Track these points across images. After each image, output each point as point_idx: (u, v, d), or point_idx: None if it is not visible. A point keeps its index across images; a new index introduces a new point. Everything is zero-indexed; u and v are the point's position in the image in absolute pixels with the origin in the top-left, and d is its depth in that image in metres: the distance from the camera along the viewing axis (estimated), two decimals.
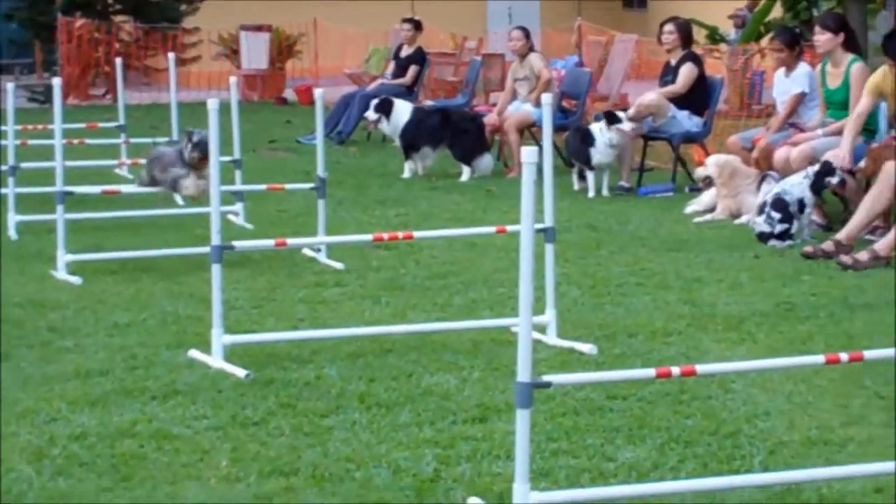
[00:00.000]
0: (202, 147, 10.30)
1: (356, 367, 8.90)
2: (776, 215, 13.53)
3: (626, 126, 17.24)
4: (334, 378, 8.68)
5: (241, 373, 8.73)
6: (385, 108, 19.36)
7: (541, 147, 9.44)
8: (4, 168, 14.07)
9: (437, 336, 9.59)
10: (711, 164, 15.16)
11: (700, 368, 6.99)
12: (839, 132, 14.21)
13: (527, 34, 20.23)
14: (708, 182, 15.01)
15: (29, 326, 10.04)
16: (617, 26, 29.13)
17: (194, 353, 9.16)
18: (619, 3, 40.08)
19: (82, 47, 31.48)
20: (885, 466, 6.77)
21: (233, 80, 15.14)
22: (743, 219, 14.60)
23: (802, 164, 13.87)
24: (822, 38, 15.14)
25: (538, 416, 6.91)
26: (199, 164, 10.51)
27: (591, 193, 17.19)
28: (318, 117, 12.98)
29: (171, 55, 18.38)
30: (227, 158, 13.64)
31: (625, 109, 17.72)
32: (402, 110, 19.41)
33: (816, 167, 13.56)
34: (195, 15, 33.85)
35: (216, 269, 9.08)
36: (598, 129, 17.23)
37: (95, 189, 14.42)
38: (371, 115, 19.59)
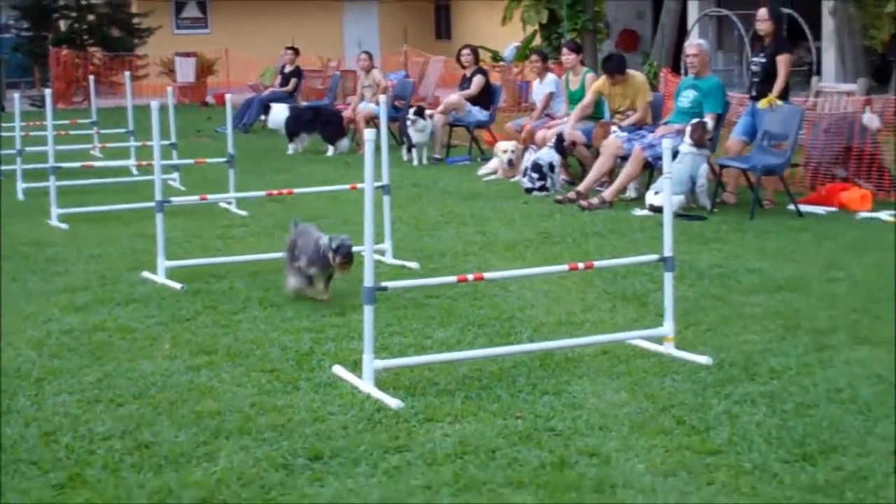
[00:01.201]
0: (345, 252, 7.98)
1: (257, 281, 8.93)
2: (535, 175, 13.69)
3: (438, 118, 17.39)
4: (241, 288, 8.72)
5: (177, 286, 8.74)
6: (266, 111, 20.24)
7: (380, 132, 9.50)
8: (14, 151, 13.96)
9: None
10: (509, 148, 15.22)
11: (487, 275, 7.12)
12: (580, 118, 14.44)
13: (370, 56, 20.37)
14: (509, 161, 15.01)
15: (32, 258, 10.00)
16: (431, 51, 29.21)
17: (146, 274, 9.15)
18: (432, 35, 39.97)
19: (67, 69, 31.88)
20: (609, 337, 6.98)
21: (169, 89, 15.46)
22: (514, 178, 14.69)
23: (552, 140, 14.03)
24: (569, 57, 15.34)
25: (380, 310, 6.97)
26: (341, 266, 8.03)
27: (415, 163, 17.22)
28: (228, 115, 13.04)
29: (127, 73, 18.84)
30: (167, 142, 13.62)
31: (424, 111, 17.69)
32: (280, 110, 19.79)
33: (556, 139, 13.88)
34: (144, 46, 34.17)
35: (159, 218, 9.12)
36: (410, 122, 17.30)
37: (76, 164, 14.43)
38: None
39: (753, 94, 12.93)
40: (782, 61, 12.59)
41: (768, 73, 12.70)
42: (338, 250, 7.92)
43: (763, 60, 12.89)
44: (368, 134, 6.29)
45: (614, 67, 14.00)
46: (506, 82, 21.74)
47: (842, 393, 6.07)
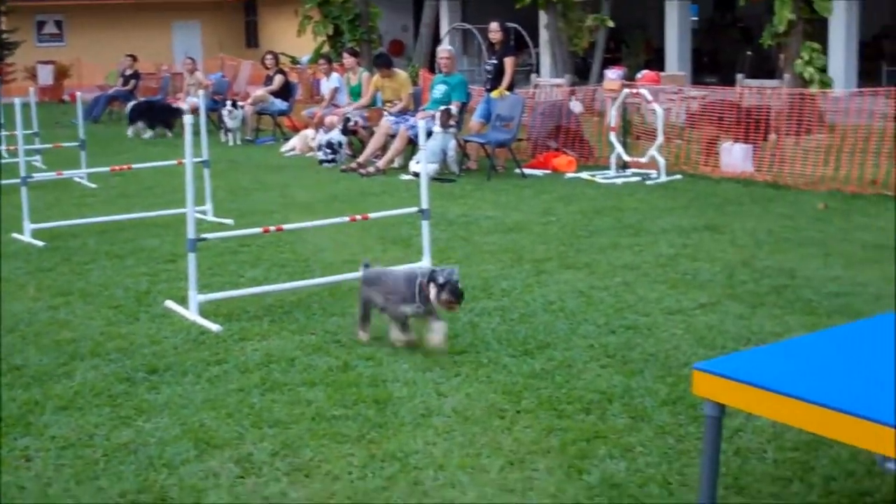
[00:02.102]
0: (452, 289, 5.19)
1: (104, 238, 8.61)
2: (328, 150, 13.60)
3: (248, 108, 17.12)
4: (92, 244, 8.39)
5: (40, 244, 8.38)
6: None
7: (199, 119, 9.32)
8: None
9: (151, 220, 9.33)
10: (309, 136, 15.06)
11: (286, 227, 7.02)
12: (360, 107, 14.37)
13: (194, 61, 20.06)
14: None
15: None
16: (242, 56, 28.62)
17: (15, 235, 8.76)
18: (243, 44, 39.13)
19: None
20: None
21: (31, 89, 14.59)
22: (310, 154, 14.54)
23: (339, 124, 13.92)
24: (349, 60, 15.27)
25: (203, 257, 6.82)
26: (448, 306, 5.24)
27: (230, 143, 16.88)
28: (79, 109, 12.54)
29: None
30: (29, 132, 13.02)
31: (237, 103, 17.36)
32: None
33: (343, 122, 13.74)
34: (12, 56, 32.57)
35: (24, 190, 8.73)
36: (226, 111, 16.99)
37: None
38: None
39: (488, 87, 13.10)
40: (508, 62, 12.81)
41: (499, 72, 12.88)
42: (444, 287, 5.19)
43: (495, 62, 13.08)
44: (188, 119, 6.14)
45: (382, 62, 14.17)
46: (302, 80, 21.42)
47: (553, 304, 6.22)
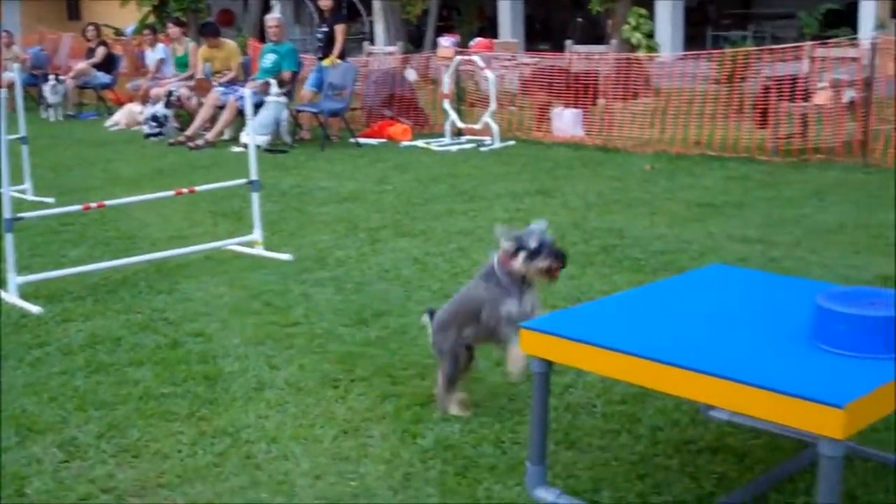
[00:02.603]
0: (552, 251, 3.81)
1: None
2: (154, 124, 13.27)
3: (70, 82, 16.57)
4: None
5: None
6: None
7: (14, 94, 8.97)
8: None
9: None
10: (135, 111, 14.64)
11: (108, 203, 6.78)
12: (185, 79, 14.07)
13: (10, 34, 19.32)
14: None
15: None
16: (65, 30, 27.55)
17: None
18: (65, 17, 37.68)
19: None
20: (211, 245, 6.84)
21: None
22: (137, 128, 14.14)
23: (163, 97, 13.58)
24: (174, 30, 14.89)
25: (23, 237, 6.55)
26: (551, 275, 3.83)
27: (52, 119, 16.31)
28: None
29: None
30: None
31: (60, 77, 16.78)
32: None
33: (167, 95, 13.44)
34: None
35: None
36: (48, 86, 16.38)
37: None
38: None
39: (320, 56, 12.99)
40: (339, 30, 12.74)
41: (330, 39, 12.79)
42: (539, 251, 3.79)
43: (325, 29, 12.98)
44: (1, 93, 5.91)
45: (209, 32, 13.86)
46: (126, 52, 20.74)
47: (389, 272, 6.24)
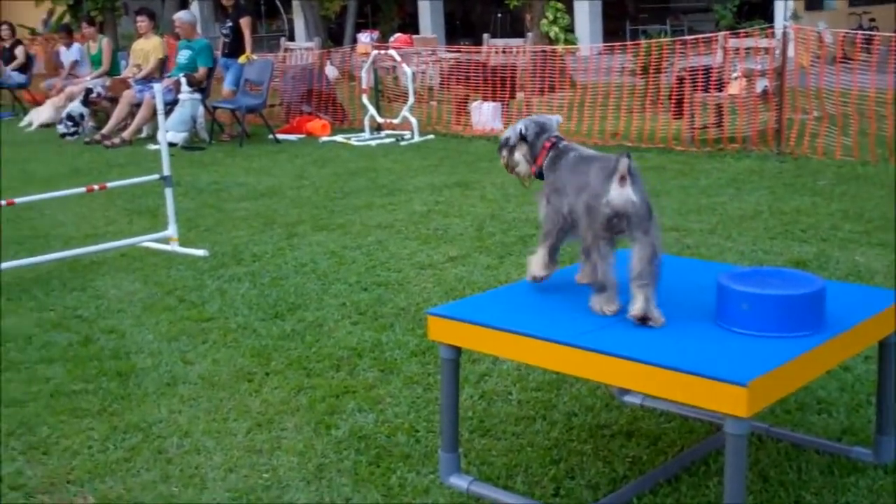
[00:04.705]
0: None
1: None
2: (69, 123, 13.04)
3: None
4: None
5: None
6: None
7: None
8: None
9: None
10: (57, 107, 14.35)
11: (18, 200, 6.63)
12: (99, 76, 13.86)
13: None
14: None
15: None
16: None
17: None
18: None
19: None
20: (126, 242, 6.72)
21: None
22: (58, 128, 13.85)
23: (80, 94, 13.35)
24: (88, 30, 14.67)
25: None
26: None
27: None
28: None
29: None
30: None
31: None
32: None
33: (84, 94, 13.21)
34: None
35: None
36: None
37: None
38: None
39: (226, 51, 12.81)
40: (244, 23, 12.57)
41: (236, 34, 12.61)
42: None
43: (230, 24, 12.78)
44: None
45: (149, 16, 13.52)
46: (45, 52, 20.35)
47: (306, 266, 6.19)
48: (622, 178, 2.91)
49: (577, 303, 3.22)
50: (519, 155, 3.39)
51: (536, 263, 3.37)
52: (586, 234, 3.04)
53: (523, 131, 3.33)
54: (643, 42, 12.46)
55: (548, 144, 3.32)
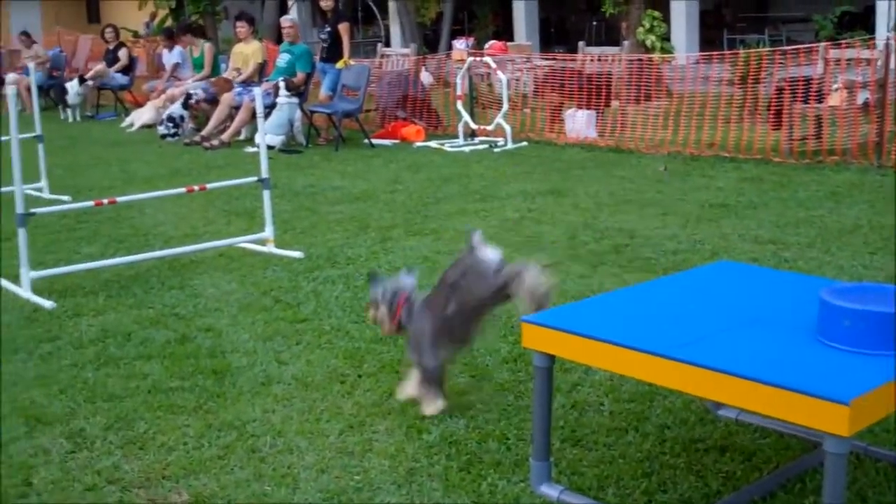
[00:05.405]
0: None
1: None
2: (170, 124, 13.29)
3: (90, 82, 16.64)
4: None
5: None
6: None
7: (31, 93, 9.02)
8: None
9: None
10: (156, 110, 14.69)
11: (119, 199, 6.82)
12: (201, 79, 14.12)
13: (29, 35, 19.41)
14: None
15: None
16: (83, 31, 27.73)
17: None
18: (85, 20, 37.88)
19: None
20: (223, 242, 6.83)
21: None
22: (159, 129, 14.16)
23: (180, 96, 13.61)
24: (185, 38, 14.91)
25: (38, 234, 6.61)
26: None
27: (70, 120, 16.39)
28: None
29: None
30: None
31: (85, 79, 16.85)
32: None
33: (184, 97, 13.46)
34: None
35: None
36: (70, 85, 16.46)
37: None
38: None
39: (324, 56, 12.94)
40: (343, 28, 12.67)
41: (334, 39, 12.73)
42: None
43: (329, 30, 12.91)
44: (9, 91, 5.94)
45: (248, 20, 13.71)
46: (147, 54, 20.84)
47: (399, 269, 6.20)
48: (480, 246, 3.76)
49: (673, 314, 3.18)
50: (381, 313, 3.98)
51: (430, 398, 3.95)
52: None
53: (379, 298, 3.98)
54: (741, 52, 12.24)
55: (401, 303, 3.94)
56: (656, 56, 13.02)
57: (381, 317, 3.99)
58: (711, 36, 22.22)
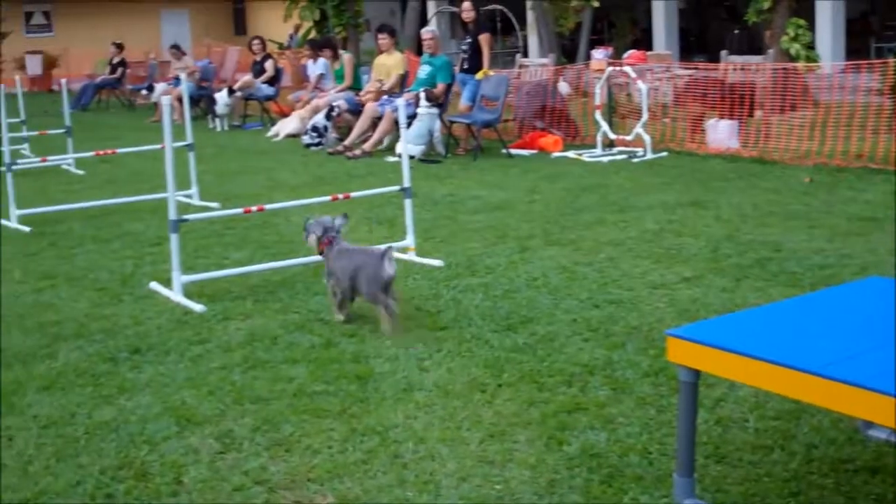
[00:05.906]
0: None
1: (90, 224, 8.61)
2: (314, 134, 13.56)
3: (238, 93, 17.09)
4: (78, 229, 8.39)
5: (27, 229, 8.41)
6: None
7: (182, 101, 9.30)
8: None
9: (136, 204, 9.29)
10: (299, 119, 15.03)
11: (267, 207, 6.96)
12: (341, 90, 14.36)
13: (179, 47, 19.99)
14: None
15: None
16: (231, 42, 28.53)
17: (2, 221, 8.73)
18: (232, 31, 38.97)
19: None
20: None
21: (17, 78, 14.69)
22: (303, 138, 14.47)
23: (325, 107, 13.87)
24: (326, 52, 15.24)
25: (188, 240, 6.82)
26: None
27: (218, 129, 16.86)
28: (64, 97, 12.38)
29: None
30: (16, 120, 12.99)
31: (234, 89, 17.34)
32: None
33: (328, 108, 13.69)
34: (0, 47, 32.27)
35: (9, 177, 8.76)
36: (219, 95, 16.94)
37: None
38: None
39: (465, 67, 13.01)
40: (484, 39, 12.74)
41: (475, 50, 12.80)
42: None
43: (469, 41, 12.98)
44: (164, 100, 6.11)
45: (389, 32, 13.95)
46: (290, 66, 21.33)
47: (537, 280, 6.20)
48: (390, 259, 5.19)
49: (822, 331, 3.09)
50: (311, 240, 5.61)
51: (335, 310, 5.49)
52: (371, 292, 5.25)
53: (314, 230, 5.59)
54: (891, 60, 11.83)
55: (327, 241, 5.56)
56: (801, 65, 12.67)
57: (311, 242, 5.58)
58: (858, 44, 21.56)
